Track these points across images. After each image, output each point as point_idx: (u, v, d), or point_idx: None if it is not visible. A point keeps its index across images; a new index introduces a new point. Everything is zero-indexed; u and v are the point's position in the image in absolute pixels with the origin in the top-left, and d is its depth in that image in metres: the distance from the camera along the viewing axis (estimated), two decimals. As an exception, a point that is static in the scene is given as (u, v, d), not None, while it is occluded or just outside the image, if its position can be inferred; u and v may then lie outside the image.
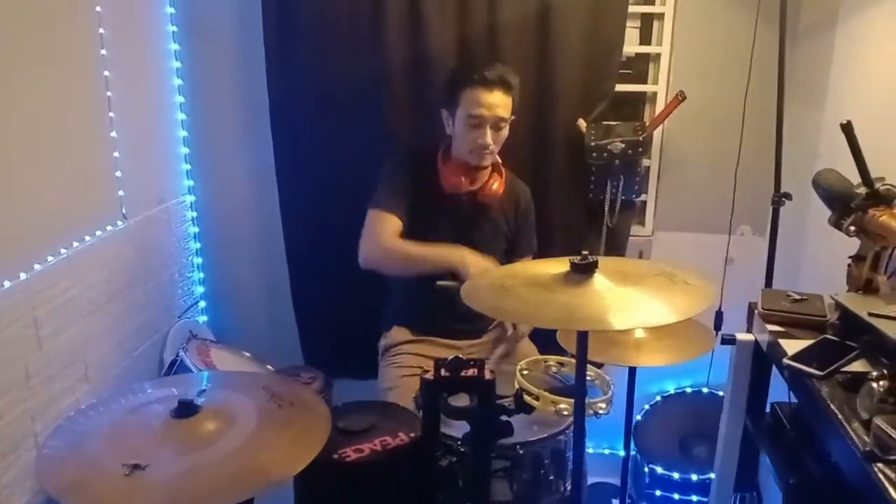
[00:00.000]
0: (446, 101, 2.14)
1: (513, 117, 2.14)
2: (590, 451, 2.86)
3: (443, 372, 1.43)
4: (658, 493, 2.58)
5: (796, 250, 2.32)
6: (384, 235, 2.10)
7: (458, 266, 1.97)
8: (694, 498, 2.54)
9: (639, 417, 2.69)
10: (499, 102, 2.06)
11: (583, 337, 1.31)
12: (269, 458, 1.35)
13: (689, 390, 2.72)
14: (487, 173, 2.19)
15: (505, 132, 2.12)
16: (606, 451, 2.88)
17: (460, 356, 1.43)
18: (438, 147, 2.22)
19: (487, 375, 1.44)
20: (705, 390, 2.66)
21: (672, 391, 2.74)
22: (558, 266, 1.37)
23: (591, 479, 2.67)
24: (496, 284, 1.36)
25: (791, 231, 2.29)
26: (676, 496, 2.56)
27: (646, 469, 2.60)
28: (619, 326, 1.23)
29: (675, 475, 2.55)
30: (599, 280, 1.31)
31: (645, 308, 1.25)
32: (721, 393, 2.49)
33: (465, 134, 2.09)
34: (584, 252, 1.33)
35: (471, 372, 1.44)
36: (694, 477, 2.52)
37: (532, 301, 1.27)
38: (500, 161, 2.22)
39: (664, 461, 2.59)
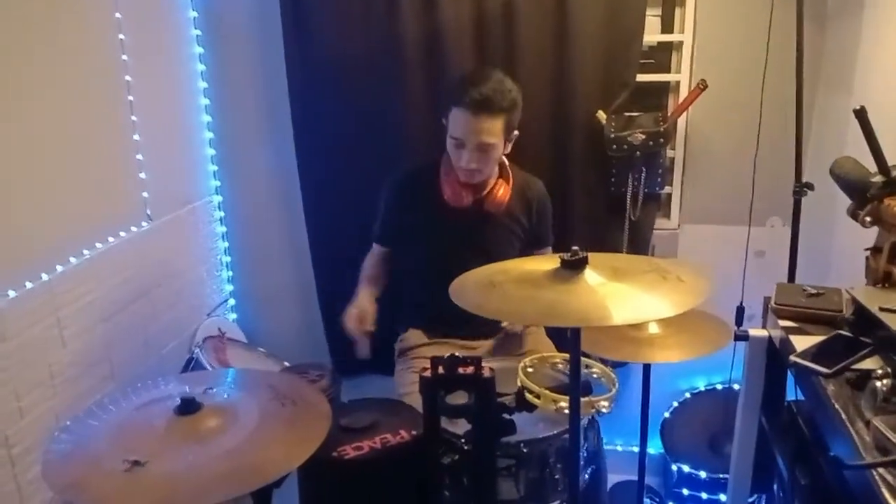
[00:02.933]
0: (443, 113, 2.09)
1: (516, 133, 2.08)
2: (618, 448, 2.82)
3: (440, 369, 1.42)
4: (686, 491, 2.52)
5: (825, 242, 2.23)
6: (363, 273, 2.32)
7: None
8: (722, 497, 2.47)
9: (667, 414, 2.63)
10: (483, 128, 1.96)
11: (575, 334, 1.28)
12: (266, 455, 1.35)
13: (719, 387, 2.64)
14: (493, 180, 2.14)
15: (497, 153, 2.04)
16: (636, 450, 2.81)
17: (456, 353, 1.41)
18: (438, 159, 2.18)
19: (486, 373, 1.43)
20: (736, 386, 2.57)
21: (702, 387, 2.67)
22: (551, 263, 1.34)
23: (618, 477, 2.64)
24: (484, 281, 1.34)
25: (819, 222, 2.21)
26: (704, 495, 2.50)
27: (674, 467, 2.55)
28: (604, 322, 1.19)
29: (703, 474, 2.49)
30: (590, 276, 1.28)
31: (631, 304, 1.21)
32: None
33: (451, 151, 2.06)
34: (575, 248, 1.30)
35: (468, 370, 1.42)
36: (722, 476, 2.45)
37: (516, 298, 1.25)
38: (507, 163, 2.17)
39: (692, 459, 2.53)
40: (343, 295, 2.71)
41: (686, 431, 2.61)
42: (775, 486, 1.77)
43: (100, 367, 2.08)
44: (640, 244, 2.50)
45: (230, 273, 2.89)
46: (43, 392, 1.86)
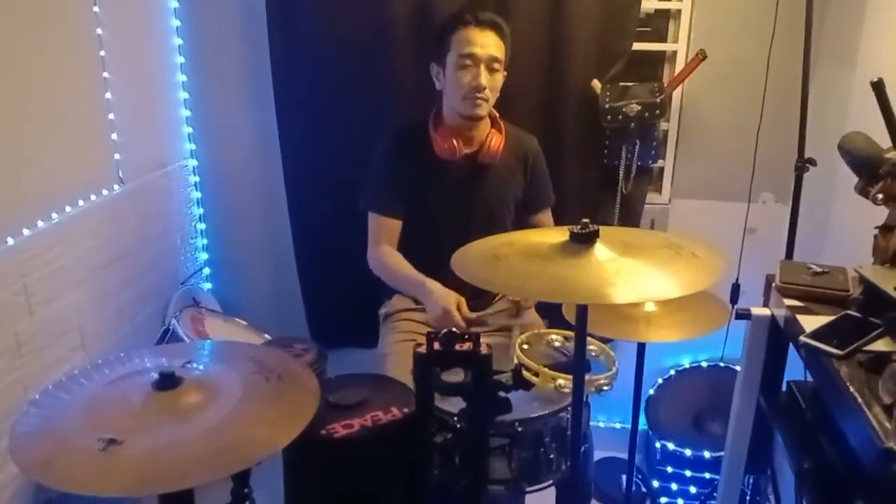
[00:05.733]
0: (436, 54, 2.04)
1: (505, 73, 2.04)
2: (601, 425, 2.79)
3: (436, 345, 1.36)
4: (670, 469, 2.50)
5: (822, 220, 2.20)
6: (375, 248, 2.13)
7: (422, 299, 2.02)
8: (707, 475, 2.46)
9: (652, 391, 2.61)
10: (492, 43, 1.97)
11: (581, 311, 1.22)
12: (250, 433, 1.28)
13: (704, 364, 2.62)
14: (485, 132, 2.07)
15: (499, 79, 2.02)
16: (618, 426, 2.80)
17: (454, 329, 1.34)
18: (428, 116, 2.10)
19: (483, 350, 1.36)
20: (722, 364, 2.56)
21: (687, 365, 2.64)
22: (559, 235, 1.28)
23: (602, 454, 2.61)
24: (489, 254, 1.27)
25: (817, 199, 2.17)
26: (688, 473, 2.48)
27: (657, 445, 2.53)
28: (613, 300, 1.13)
29: (688, 452, 2.47)
30: (600, 251, 1.21)
31: (645, 282, 1.15)
32: (738, 367, 2.40)
33: (457, 79, 1.98)
34: (585, 220, 1.23)
35: (465, 346, 1.36)
36: (707, 454, 2.44)
37: (522, 272, 1.18)
38: (497, 115, 2.11)
39: (677, 437, 2.51)
40: (322, 264, 2.64)
41: (671, 409, 2.59)
42: (769, 468, 1.74)
43: (70, 337, 1.98)
44: (631, 218, 2.45)
45: (205, 241, 2.78)
46: (9, 362, 1.76)
